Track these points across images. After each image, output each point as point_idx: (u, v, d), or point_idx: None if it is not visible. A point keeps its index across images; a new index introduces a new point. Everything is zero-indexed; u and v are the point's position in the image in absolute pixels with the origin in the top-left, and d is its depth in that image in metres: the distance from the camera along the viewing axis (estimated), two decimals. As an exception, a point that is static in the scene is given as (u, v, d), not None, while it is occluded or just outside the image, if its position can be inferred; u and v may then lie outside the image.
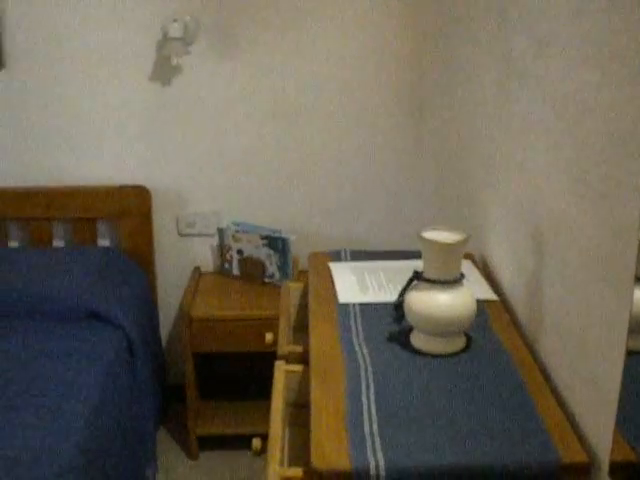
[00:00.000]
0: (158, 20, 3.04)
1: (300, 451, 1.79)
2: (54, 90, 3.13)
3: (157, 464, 2.94)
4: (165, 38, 3.02)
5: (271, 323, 2.86)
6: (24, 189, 3.16)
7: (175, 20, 2.99)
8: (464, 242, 1.73)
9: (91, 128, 3.17)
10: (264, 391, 3.22)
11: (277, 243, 3.11)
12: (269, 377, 3.21)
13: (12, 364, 2.51)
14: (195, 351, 2.99)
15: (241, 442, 3.13)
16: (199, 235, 3.28)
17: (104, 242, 3.26)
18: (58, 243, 3.25)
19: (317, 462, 1.45)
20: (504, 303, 2.10)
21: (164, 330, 3.36)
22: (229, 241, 3.19)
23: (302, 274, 3.04)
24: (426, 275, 1.76)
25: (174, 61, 3.05)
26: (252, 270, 3.18)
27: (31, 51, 3.10)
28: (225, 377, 3.39)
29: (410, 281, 1.81)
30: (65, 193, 3.15)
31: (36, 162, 3.20)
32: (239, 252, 3.18)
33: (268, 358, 3.05)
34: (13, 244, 3.24)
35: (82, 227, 3.19)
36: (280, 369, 1.88)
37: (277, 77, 3.12)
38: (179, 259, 3.30)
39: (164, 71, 3.11)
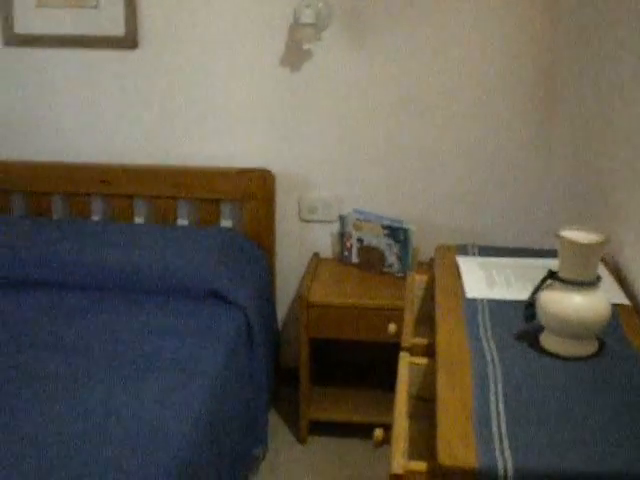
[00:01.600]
0: (291, 5, 3.06)
1: (419, 445, 1.77)
2: (184, 71, 3.19)
3: (267, 445, 2.98)
4: (297, 23, 3.04)
5: (389, 313, 2.85)
6: (152, 167, 3.23)
7: (308, 6, 3.00)
8: (604, 243, 1.68)
9: (219, 110, 3.21)
10: (378, 380, 3.26)
11: (398, 233, 3.09)
12: (383, 366, 3.26)
13: (134, 339, 2.57)
14: (311, 336, 3.00)
15: (351, 429, 3.14)
16: (320, 221, 3.29)
17: (226, 223, 3.30)
18: (182, 222, 3.31)
19: (443, 458, 1.43)
20: (636, 308, 2.03)
21: (280, 314, 3.39)
22: (350, 229, 3.19)
23: (422, 266, 3.01)
24: (562, 275, 1.71)
25: (305, 46, 3.06)
26: (371, 259, 3.17)
27: (164, 33, 3.17)
28: (338, 364, 3.39)
29: (544, 280, 1.76)
30: (191, 174, 3.21)
31: (164, 141, 3.27)
32: (359, 240, 3.18)
33: (384, 348, 3.07)
34: (139, 220, 3.32)
35: (206, 208, 3.24)
36: (404, 361, 1.87)
37: (405, 67, 3.09)
38: (299, 244, 3.31)
39: (294, 56, 3.13)
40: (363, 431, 3.11)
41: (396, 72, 3.10)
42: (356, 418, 3.09)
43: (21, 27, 3.25)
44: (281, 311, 3.39)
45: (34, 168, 3.29)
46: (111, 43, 3.21)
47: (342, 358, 3.39)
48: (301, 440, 3.15)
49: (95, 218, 3.34)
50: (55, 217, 3.34)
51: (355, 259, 3.22)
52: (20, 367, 2.39)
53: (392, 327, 2.41)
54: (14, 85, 3.31)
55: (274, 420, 3.25)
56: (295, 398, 3.18)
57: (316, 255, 3.29)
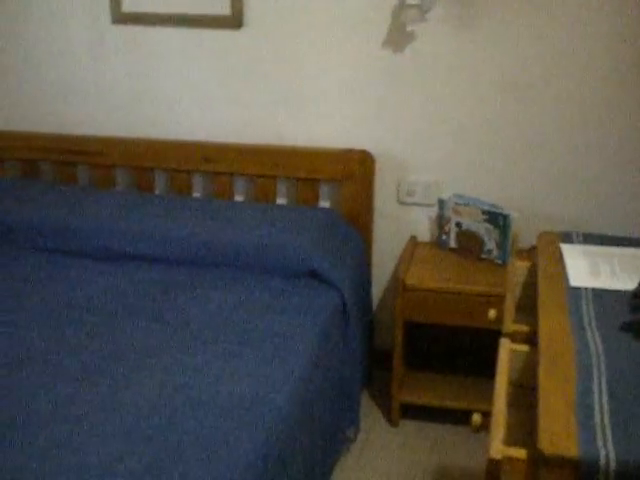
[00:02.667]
0: (397, -14, 3.04)
1: (516, 433, 1.75)
2: (287, 52, 3.20)
3: (359, 426, 2.99)
4: (402, 5, 3.01)
5: (487, 299, 2.83)
6: (253, 146, 3.26)
7: (414, -13, 2.97)
8: None
9: (320, 90, 3.22)
10: (470, 366, 3.24)
11: (498, 219, 3.05)
12: (476, 353, 3.24)
13: (231, 314, 2.61)
14: (406, 319, 2.99)
15: (443, 414, 3.13)
16: (418, 204, 3.27)
17: (325, 204, 3.31)
18: (281, 201, 3.33)
19: (544, 446, 1.41)
20: None
21: (375, 295, 3.39)
22: (449, 213, 3.16)
23: (521, 253, 2.97)
24: (672, 265, 1.66)
25: (409, 28, 3.04)
26: (469, 244, 3.14)
27: (269, 13, 3.18)
28: (431, 348, 3.38)
29: (652, 270, 1.72)
30: (291, 153, 3.23)
31: (265, 121, 3.29)
32: (458, 225, 3.15)
33: (477, 334, 3.05)
34: (238, 198, 3.36)
35: (305, 188, 3.26)
36: (505, 347, 1.84)
37: (509, 50, 3.03)
38: (396, 226, 3.30)
39: (397, 38, 3.11)
40: (455, 417, 3.11)
41: (499, 56, 3.05)
42: (449, 403, 3.07)
43: (129, 5, 3.31)
44: (376, 293, 3.39)
45: (138, 144, 3.36)
46: (217, 22, 3.24)
47: (435, 342, 3.37)
48: (393, 423, 3.15)
49: (196, 195, 3.39)
50: (157, 193, 3.41)
51: (453, 244, 3.19)
52: (120, 339, 2.46)
53: (492, 313, 2.38)
54: (121, 62, 3.39)
55: (366, 402, 3.26)
56: (388, 381, 3.18)
57: (413, 238, 3.27)
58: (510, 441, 1.73)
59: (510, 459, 1.51)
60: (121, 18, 3.34)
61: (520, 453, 1.51)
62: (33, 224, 3.07)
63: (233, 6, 3.20)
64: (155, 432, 2.00)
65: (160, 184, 3.43)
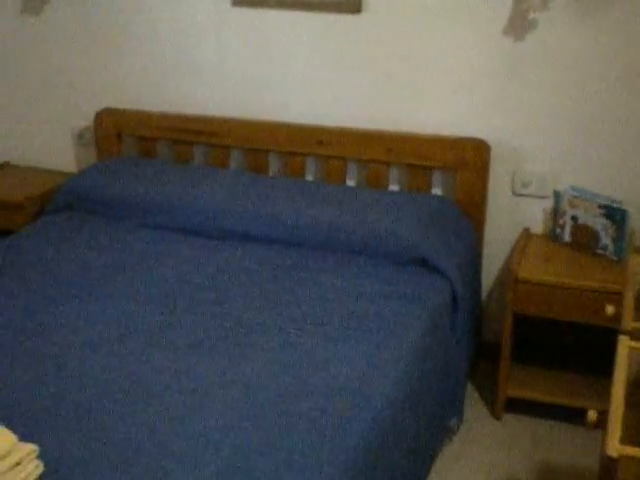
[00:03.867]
0: (521, -27, 2.98)
1: (633, 432, 1.71)
2: (405, 38, 3.18)
3: (462, 417, 2.97)
4: (525, -8, 2.96)
5: (603, 296, 2.76)
6: (368, 131, 3.26)
7: (539, -27, 2.91)
8: None
9: (437, 77, 3.19)
10: (578, 363, 3.17)
11: (615, 214, 2.96)
12: (585, 349, 3.16)
13: (339, 298, 2.63)
14: (516, 312, 2.94)
15: (547, 410, 3.08)
16: (533, 196, 3.20)
17: (437, 191, 3.28)
18: (393, 187, 3.32)
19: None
20: None
21: (484, 286, 3.34)
22: (564, 206, 3.09)
23: (638, 250, 2.89)
24: None
25: (530, 16, 2.98)
26: (584, 239, 3.06)
27: (387, -1, 3.17)
28: (540, 342, 3.31)
29: None
30: (405, 139, 3.21)
31: (380, 106, 3.28)
32: (573, 219, 3.08)
33: (588, 330, 2.98)
34: (350, 183, 3.36)
35: (418, 174, 3.23)
36: (624, 344, 1.80)
37: (633, 40, 2.93)
38: (510, 217, 3.25)
39: (518, 26, 3.04)
40: (561, 413, 3.05)
41: (626, 45, 2.95)
42: (555, 399, 3.01)
43: (249, -13, 3.35)
44: (486, 284, 3.35)
45: (254, 126, 3.40)
46: (335, 7, 3.24)
47: (543, 337, 3.31)
48: (496, 416, 3.11)
49: (309, 178, 3.41)
50: (270, 175, 3.44)
51: (567, 237, 3.12)
52: (231, 316, 2.50)
53: (610, 309, 2.32)
54: (239, 45, 3.43)
55: (470, 393, 3.23)
56: (493, 373, 3.14)
57: (526, 230, 3.21)
58: (626, 441, 1.68)
59: (627, 458, 1.48)
60: (241, 0, 3.37)
61: (638, 452, 1.47)
62: (148, 201, 3.15)
63: (353, -10, 3.20)
64: (263, 409, 2.04)
65: (274, 166, 3.46)
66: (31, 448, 1.84)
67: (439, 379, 2.63)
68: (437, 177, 3.26)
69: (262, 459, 1.86)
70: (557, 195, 3.12)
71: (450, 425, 2.90)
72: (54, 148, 3.86)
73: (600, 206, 3.00)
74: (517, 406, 3.13)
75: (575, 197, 3.05)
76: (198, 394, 2.09)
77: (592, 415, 1.84)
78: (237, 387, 2.12)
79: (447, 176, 3.26)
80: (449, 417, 2.86)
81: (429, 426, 2.53)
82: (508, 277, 2.93)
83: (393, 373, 2.24)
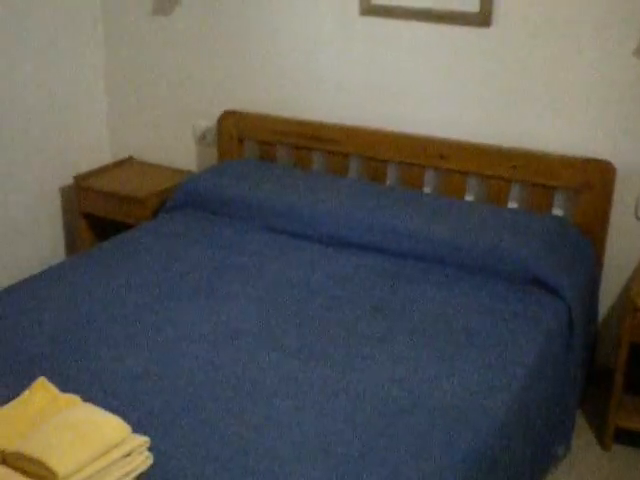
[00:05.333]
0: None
1: None
2: (534, 52, 3.12)
3: (570, 445, 2.89)
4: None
5: None
6: (490, 146, 3.21)
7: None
8: None
9: (564, 95, 3.11)
10: None
11: None
12: None
13: (452, 313, 2.60)
14: (632, 340, 2.84)
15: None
16: (653, 220, 3.11)
17: (557, 212, 3.21)
18: (512, 205, 3.26)
19: None
20: None
21: (600, 311, 3.25)
22: (691, 234, 2.98)
23: None
24: None
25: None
26: None
27: (519, 12, 3.10)
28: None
29: None
30: (529, 157, 3.14)
31: (504, 121, 3.23)
32: (700, 248, 2.96)
33: None
34: (469, 198, 3.32)
35: (539, 193, 3.16)
36: None
37: None
38: (631, 242, 3.13)
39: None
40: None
41: None
42: (670, 434, 2.91)
43: (378, -3, 3.35)
44: (602, 309, 3.25)
45: (374, 135, 3.39)
46: (463, 19, 3.21)
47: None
48: (605, 446, 3.01)
49: (426, 190, 3.38)
50: (388, 184, 3.43)
51: (692, 266, 3.01)
52: (342, 324, 2.51)
53: None
54: (364, 53, 3.43)
55: (579, 420, 3.13)
56: (604, 401, 3.05)
57: (648, 257, 3.11)
58: None
59: None
60: (369, 10, 3.38)
61: None
62: (266, 205, 3.18)
63: (482, 3, 3.15)
64: (370, 421, 2.03)
65: (392, 176, 3.45)
66: (143, 440, 1.88)
67: (549, 404, 2.57)
68: (558, 197, 3.19)
69: (367, 471, 1.86)
70: (683, 223, 3.01)
71: (557, 452, 2.82)
72: (176, 146, 3.95)
73: None
74: (627, 437, 3.03)
75: (703, 226, 2.94)
76: (306, 400, 2.10)
77: None
78: (345, 396, 2.12)
79: (569, 197, 3.17)
80: (556, 444, 2.78)
81: (535, 451, 2.48)
82: (626, 304, 2.83)
83: (505, 395, 2.20)
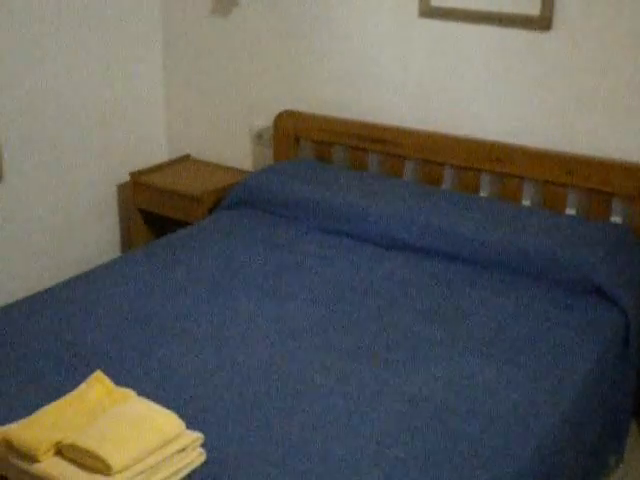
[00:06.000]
0: None
1: None
2: (594, 56, 3.07)
3: (623, 456, 2.85)
4: None
5: None
6: (548, 151, 3.17)
7: None
8: None
9: (623, 100, 3.05)
10: None
11: None
12: None
13: (506, 320, 2.57)
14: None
15: None
16: None
17: (616, 219, 3.15)
18: (569, 211, 3.21)
19: None
20: None
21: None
22: None
23: None
24: None
25: None
26: None
27: (581, 15, 3.05)
28: None
29: None
30: (587, 162, 3.09)
31: (561, 126, 3.19)
32: None
33: None
34: (525, 203, 3.29)
35: (597, 200, 3.11)
36: None
37: None
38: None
39: None
40: None
41: None
42: None
43: (438, 0, 3.33)
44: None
45: (431, 137, 3.38)
46: (524, 22, 3.17)
47: None
48: (657, 459, 2.97)
49: (482, 194, 3.36)
50: (444, 187, 3.41)
51: None
52: (397, 326, 2.50)
53: None
54: (423, 55, 3.42)
55: (632, 431, 3.08)
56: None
57: None
58: None
59: None
60: (428, 11, 3.36)
61: None
62: (323, 205, 3.18)
63: (543, 6, 3.12)
64: (425, 425, 2.02)
65: (448, 179, 3.43)
66: (197, 436, 1.89)
67: (604, 414, 2.54)
68: (617, 203, 3.14)
69: (420, 476, 1.84)
70: None
71: (609, 462, 2.78)
72: (233, 145, 3.98)
73: None
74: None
75: None
76: (361, 401, 2.10)
77: None
78: (400, 399, 2.11)
79: (629, 204, 3.12)
80: (609, 454, 2.75)
81: (588, 461, 2.45)
82: (686, 315, 2.78)
83: (561, 404, 2.18)
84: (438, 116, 3.42)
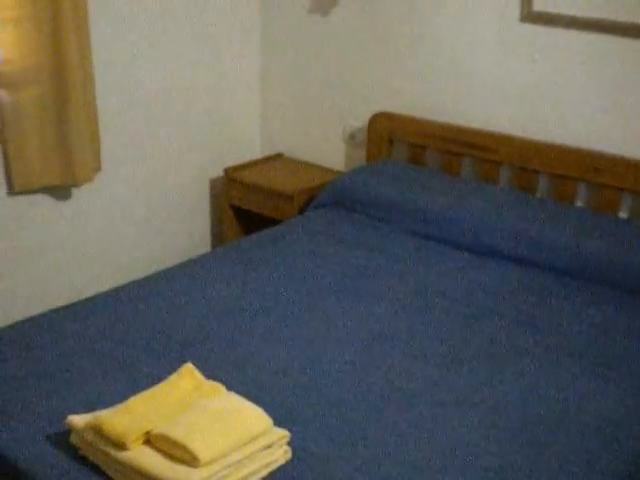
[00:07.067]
0: None
1: None
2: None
3: None
4: None
5: None
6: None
7: None
8: None
9: None
10: None
11: None
12: None
13: (595, 331, 2.52)
14: None
15: None
16: None
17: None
18: (623, 214, 3.17)
19: None
20: None
21: None
22: None
23: None
24: None
25: None
26: None
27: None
28: None
29: None
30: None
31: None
32: None
33: None
34: (622, 215, 3.20)
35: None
36: None
37: None
38: None
39: None
40: None
41: None
42: None
43: (540, 4, 3.27)
44: None
45: (527, 144, 3.32)
46: (634, 31, 3.08)
47: None
48: None
49: (578, 204, 3.29)
50: (538, 195, 3.35)
51: None
52: (486, 334, 2.47)
53: None
54: (523, 61, 3.35)
55: None
56: None
57: None
58: None
59: None
60: (530, 16, 3.30)
61: None
62: (415, 209, 3.16)
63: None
64: (513, 435, 2.00)
65: (542, 187, 3.37)
66: (284, 433, 1.90)
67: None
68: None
69: (507, 487, 1.82)
70: None
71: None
72: (326, 145, 3.99)
73: None
74: None
75: None
76: (448, 409, 2.08)
77: None
78: (488, 407, 2.09)
79: None
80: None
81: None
82: None
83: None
84: (536, 123, 3.36)
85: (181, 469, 1.79)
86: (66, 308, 2.58)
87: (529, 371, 2.27)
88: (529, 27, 3.33)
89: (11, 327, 2.48)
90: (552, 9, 3.25)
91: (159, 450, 1.85)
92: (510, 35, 3.37)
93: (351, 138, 3.88)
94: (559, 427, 2.03)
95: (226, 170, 3.87)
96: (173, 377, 2.07)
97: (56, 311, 2.56)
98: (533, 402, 2.13)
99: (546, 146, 3.29)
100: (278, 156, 4.12)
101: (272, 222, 3.52)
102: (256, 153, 4.20)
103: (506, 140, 3.37)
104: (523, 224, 2.97)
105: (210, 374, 2.11)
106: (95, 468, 1.89)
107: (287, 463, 1.89)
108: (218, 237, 4.10)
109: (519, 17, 3.33)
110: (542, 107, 3.35)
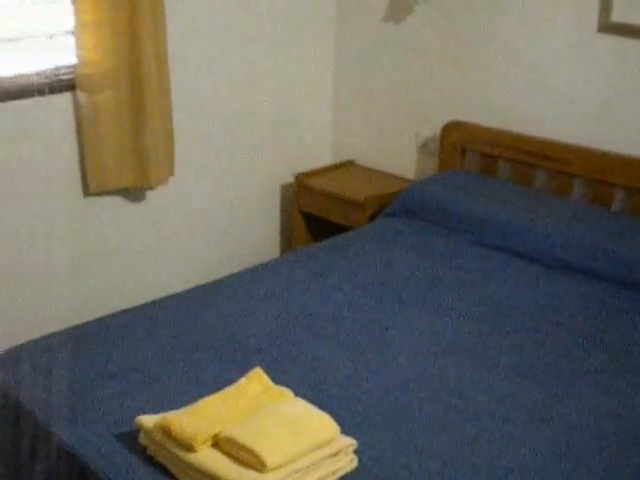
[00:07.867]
0: None
1: None
2: None
3: None
4: None
5: None
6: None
7: None
8: None
9: None
10: None
11: None
12: None
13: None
14: None
15: None
16: None
17: None
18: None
19: None
20: None
21: None
22: None
23: None
24: None
25: None
26: None
27: None
28: None
29: None
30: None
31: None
32: None
33: None
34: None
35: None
36: None
37: None
38: None
39: None
40: None
41: None
42: None
43: (619, 15, 3.21)
44: None
45: (602, 156, 3.26)
46: None
47: None
48: None
49: (613, 208, 3.23)
50: (613, 209, 3.28)
51: None
52: (558, 349, 2.44)
53: None
54: (600, 73, 3.30)
55: None
56: None
57: None
58: None
59: None
60: (608, 27, 3.25)
61: None
62: (487, 220, 3.13)
63: None
64: (584, 455, 1.97)
65: (618, 201, 3.30)
66: (351, 442, 1.90)
67: None
68: None
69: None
70: None
71: None
72: (397, 154, 3.98)
73: None
74: None
75: None
76: (517, 424, 2.05)
77: None
78: (557, 424, 2.06)
79: None
80: None
81: None
82: None
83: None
84: (611, 135, 3.30)
85: (248, 473, 1.80)
86: (137, 309, 2.62)
87: (601, 389, 2.23)
88: (607, 38, 3.27)
89: (83, 327, 2.53)
90: (631, 20, 3.19)
91: (226, 453, 1.86)
92: (587, 46, 3.32)
93: (423, 147, 3.86)
94: (630, 449, 1.98)
95: (297, 176, 3.88)
96: (242, 381, 2.08)
97: (127, 312, 2.61)
98: (604, 421, 2.08)
99: (623, 159, 3.23)
100: (349, 163, 4.12)
101: (341, 229, 3.52)
102: (327, 160, 4.21)
103: (581, 152, 3.32)
104: (597, 238, 2.92)
105: (278, 379, 2.11)
106: (162, 468, 1.91)
107: (353, 472, 1.88)
108: (287, 243, 4.12)
109: (597, 28, 3.28)
110: (619, 119, 3.29)
